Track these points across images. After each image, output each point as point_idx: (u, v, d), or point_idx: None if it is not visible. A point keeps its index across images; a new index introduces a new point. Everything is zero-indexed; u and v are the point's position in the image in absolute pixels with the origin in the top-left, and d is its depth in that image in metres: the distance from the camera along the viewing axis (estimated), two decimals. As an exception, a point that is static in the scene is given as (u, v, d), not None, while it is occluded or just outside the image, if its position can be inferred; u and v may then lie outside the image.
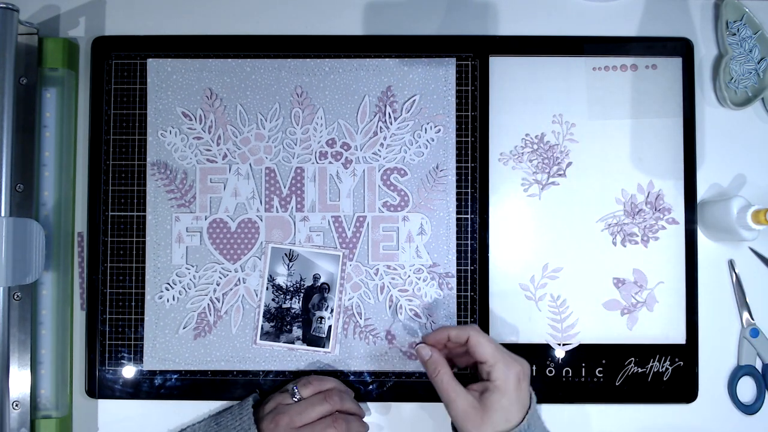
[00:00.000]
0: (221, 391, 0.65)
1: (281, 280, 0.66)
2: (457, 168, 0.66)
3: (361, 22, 0.69)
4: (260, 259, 0.66)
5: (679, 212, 0.67)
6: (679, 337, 0.66)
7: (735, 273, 0.67)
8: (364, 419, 0.64)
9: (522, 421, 0.53)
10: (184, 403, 0.66)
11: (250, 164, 0.66)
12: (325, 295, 0.65)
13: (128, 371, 0.65)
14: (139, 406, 0.66)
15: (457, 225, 0.66)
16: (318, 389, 0.61)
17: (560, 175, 0.67)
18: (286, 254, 0.66)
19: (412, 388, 0.65)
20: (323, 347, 0.65)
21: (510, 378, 0.54)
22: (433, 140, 0.67)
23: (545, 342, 0.66)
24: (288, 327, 0.65)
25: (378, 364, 0.65)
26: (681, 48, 0.67)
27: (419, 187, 0.66)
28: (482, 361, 0.55)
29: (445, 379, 0.56)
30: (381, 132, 0.67)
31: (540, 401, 0.65)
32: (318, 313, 0.65)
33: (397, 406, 0.66)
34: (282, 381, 0.65)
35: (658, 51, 0.67)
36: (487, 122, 0.67)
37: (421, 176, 0.66)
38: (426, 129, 0.67)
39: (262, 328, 0.65)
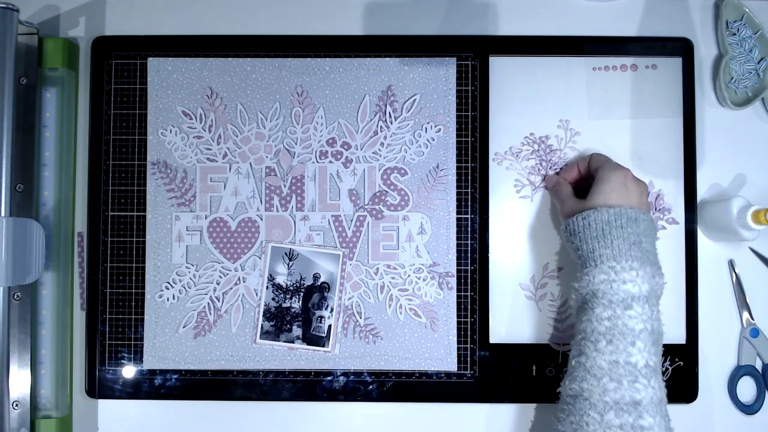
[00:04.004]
0: (221, 390, 0.65)
1: (281, 280, 0.66)
2: (458, 168, 0.66)
3: (361, 22, 0.69)
4: (260, 259, 0.66)
5: (679, 212, 0.67)
6: (679, 337, 0.66)
7: (735, 273, 0.67)
8: None
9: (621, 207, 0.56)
10: (184, 403, 0.66)
11: (250, 163, 0.66)
12: (325, 294, 0.65)
13: (128, 371, 0.65)
14: (139, 406, 0.66)
15: (457, 225, 0.66)
16: None
17: (560, 174, 0.67)
18: (286, 253, 0.66)
19: (412, 388, 0.65)
20: (323, 347, 0.65)
21: (615, 174, 0.58)
22: (433, 140, 0.67)
23: (545, 342, 0.66)
24: (288, 326, 0.65)
25: (378, 364, 0.65)
26: (681, 48, 0.67)
27: (419, 187, 0.66)
28: (596, 166, 0.60)
29: (563, 190, 0.62)
30: (381, 131, 0.67)
31: (540, 401, 0.65)
32: (318, 313, 0.65)
33: (396, 406, 0.66)
34: (282, 381, 0.65)
35: (658, 51, 0.67)
36: (487, 122, 0.67)
37: (422, 176, 0.66)
38: (426, 128, 0.67)
39: (262, 327, 0.65)
